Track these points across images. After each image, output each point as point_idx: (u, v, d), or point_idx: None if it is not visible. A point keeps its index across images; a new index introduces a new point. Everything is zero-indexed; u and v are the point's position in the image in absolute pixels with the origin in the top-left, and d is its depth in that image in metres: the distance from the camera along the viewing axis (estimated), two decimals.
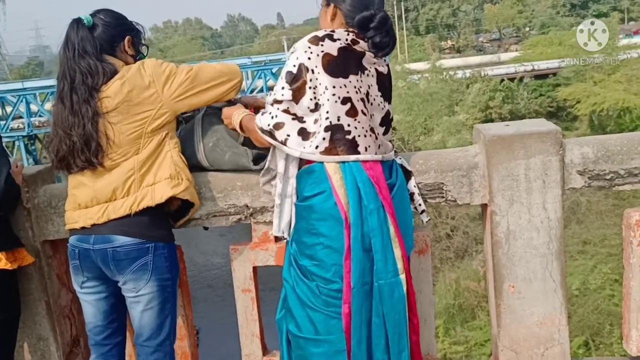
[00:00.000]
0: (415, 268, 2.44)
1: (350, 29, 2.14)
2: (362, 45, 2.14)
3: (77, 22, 2.26)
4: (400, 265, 2.11)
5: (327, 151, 2.09)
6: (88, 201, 2.27)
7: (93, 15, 2.30)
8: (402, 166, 2.32)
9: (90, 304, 2.38)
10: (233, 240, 2.72)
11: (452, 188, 2.43)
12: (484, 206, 2.48)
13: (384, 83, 2.24)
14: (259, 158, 2.40)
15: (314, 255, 2.11)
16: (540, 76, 26.52)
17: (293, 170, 2.23)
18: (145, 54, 2.44)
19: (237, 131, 2.36)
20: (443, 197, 2.45)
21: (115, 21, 2.32)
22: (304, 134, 2.11)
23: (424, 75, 23.12)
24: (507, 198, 2.38)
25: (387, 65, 2.27)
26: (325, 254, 2.09)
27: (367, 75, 2.17)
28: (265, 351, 2.70)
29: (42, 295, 2.64)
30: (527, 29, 58.87)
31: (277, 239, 2.44)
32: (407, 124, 20.81)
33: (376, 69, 2.20)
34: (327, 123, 2.08)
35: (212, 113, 2.49)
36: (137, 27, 2.41)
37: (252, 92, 28.68)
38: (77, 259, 2.31)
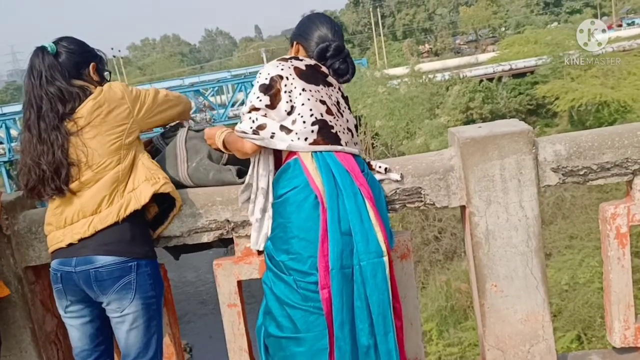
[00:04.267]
0: (399, 273, 2.45)
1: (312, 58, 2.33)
2: (325, 69, 2.33)
3: (42, 50, 2.29)
4: (383, 247, 2.14)
5: (315, 142, 2.20)
6: (74, 216, 2.27)
7: (56, 43, 2.34)
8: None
9: (76, 328, 2.38)
10: (224, 254, 2.72)
11: (430, 192, 2.46)
12: (463, 208, 2.51)
13: (347, 101, 2.41)
14: (242, 174, 2.45)
15: (290, 249, 2.16)
16: (518, 75, 26.66)
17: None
18: (108, 79, 2.48)
19: (221, 151, 2.43)
20: (422, 201, 2.48)
21: (78, 48, 2.37)
22: (285, 129, 2.20)
23: (404, 79, 23.18)
24: (484, 199, 2.41)
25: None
26: (301, 247, 2.14)
27: (334, 89, 2.33)
28: None
29: (26, 322, 2.62)
30: (503, 29, 59.50)
31: (259, 252, 2.45)
32: (390, 128, 20.89)
33: (339, 89, 2.38)
34: (312, 119, 2.20)
35: (194, 135, 2.54)
36: (99, 54, 2.46)
37: (233, 105, 28.86)
38: (60, 283, 2.31)
